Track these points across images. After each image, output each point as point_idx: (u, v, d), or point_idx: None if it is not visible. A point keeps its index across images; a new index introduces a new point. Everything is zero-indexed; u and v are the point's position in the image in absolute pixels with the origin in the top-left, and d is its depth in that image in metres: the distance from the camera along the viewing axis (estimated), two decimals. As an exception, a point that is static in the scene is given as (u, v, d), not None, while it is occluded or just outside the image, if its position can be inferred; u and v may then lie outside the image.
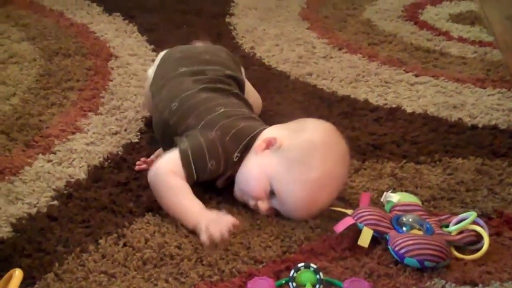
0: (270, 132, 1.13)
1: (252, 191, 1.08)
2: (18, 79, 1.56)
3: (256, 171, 1.08)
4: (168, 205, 1.07)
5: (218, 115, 1.14)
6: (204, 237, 1.00)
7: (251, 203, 1.09)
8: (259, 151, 1.09)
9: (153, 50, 1.76)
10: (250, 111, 1.23)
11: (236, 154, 1.11)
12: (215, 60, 1.32)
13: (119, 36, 1.87)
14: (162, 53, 1.39)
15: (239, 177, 1.11)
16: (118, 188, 1.15)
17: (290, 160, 1.06)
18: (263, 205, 1.08)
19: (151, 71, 1.36)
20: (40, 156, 1.24)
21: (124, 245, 1.01)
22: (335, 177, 1.07)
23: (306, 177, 1.04)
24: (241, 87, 1.30)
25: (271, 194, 1.07)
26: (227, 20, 2.03)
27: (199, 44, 1.50)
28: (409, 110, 1.48)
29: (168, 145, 1.16)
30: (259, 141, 1.11)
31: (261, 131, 1.14)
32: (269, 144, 1.09)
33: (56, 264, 0.95)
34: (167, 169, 1.09)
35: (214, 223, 1.02)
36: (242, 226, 1.04)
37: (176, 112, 1.18)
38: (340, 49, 1.83)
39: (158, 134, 1.25)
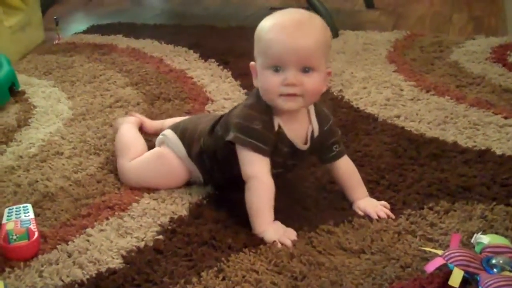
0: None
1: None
2: (124, 122, 1.67)
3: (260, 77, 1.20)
4: (250, 204, 1.20)
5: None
6: (274, 239, 1.16)
7: (280, 79, 1.15)
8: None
9: (246, 94, 1.85)
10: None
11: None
12: None
13: (215, 81, 1.97)
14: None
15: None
16: (217, 225, 1.22)
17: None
18: (290, 74, 1.15)
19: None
20: (146, 194, 1.33)
21: (223, 278, 1.07)
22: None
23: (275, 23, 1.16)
24: None
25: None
26: (316, 64, 2.09)
27: None
28: (498, 152, 1.48)
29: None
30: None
31: None
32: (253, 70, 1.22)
33: (163, 294, 1.03)
34: (249, 174, 1.20)
35: (282, 235, 1.17)
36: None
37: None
38: (427, 91, 1.85)
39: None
